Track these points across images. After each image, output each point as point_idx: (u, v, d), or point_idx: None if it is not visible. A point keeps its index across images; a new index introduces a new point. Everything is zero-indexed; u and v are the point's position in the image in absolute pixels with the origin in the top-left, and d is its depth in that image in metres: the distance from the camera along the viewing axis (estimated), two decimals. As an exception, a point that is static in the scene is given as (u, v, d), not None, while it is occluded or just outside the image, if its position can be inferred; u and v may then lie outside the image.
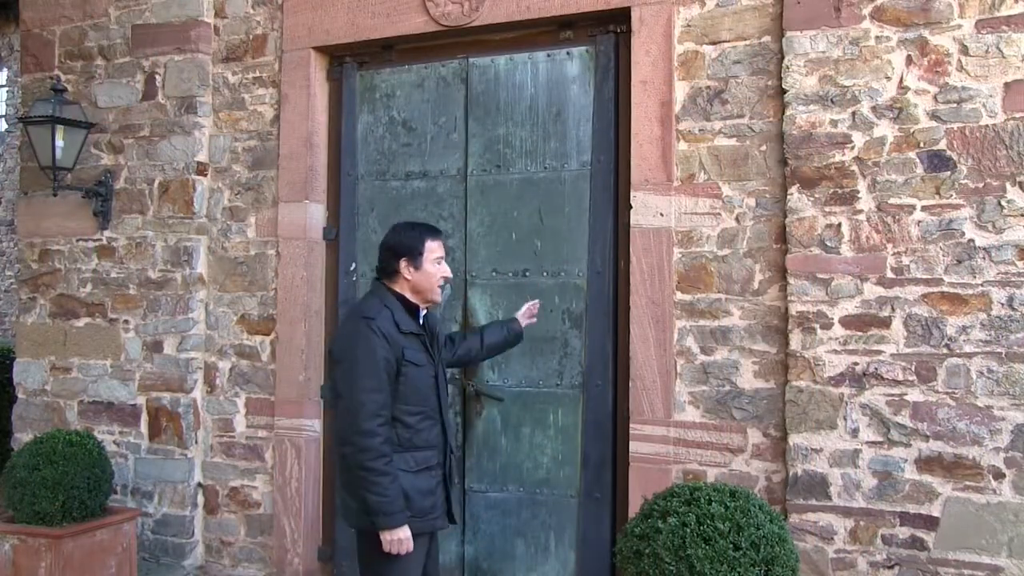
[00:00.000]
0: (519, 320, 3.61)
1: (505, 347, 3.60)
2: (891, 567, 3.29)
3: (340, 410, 2.89)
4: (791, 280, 3.47)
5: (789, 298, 3.47)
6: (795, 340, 3.45)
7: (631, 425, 3.75)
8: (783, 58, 3.52)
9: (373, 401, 2.82)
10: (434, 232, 3.10)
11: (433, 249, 3.03)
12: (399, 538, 2.82)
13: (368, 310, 2.96)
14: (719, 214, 3.66)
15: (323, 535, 4.44)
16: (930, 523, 3.25)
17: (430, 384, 3.00)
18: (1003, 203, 3.20)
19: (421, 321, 3.05)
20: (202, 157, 4.65)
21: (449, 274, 3.10)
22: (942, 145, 3.30)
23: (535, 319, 3.68)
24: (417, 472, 2.92)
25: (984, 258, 3.22)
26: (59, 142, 4.48)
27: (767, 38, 3.61)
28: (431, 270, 3.02)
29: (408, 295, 3.02)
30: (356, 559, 3.07)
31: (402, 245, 3.02)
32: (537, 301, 3.70)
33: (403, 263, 3.00)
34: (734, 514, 2.63)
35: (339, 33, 4.38)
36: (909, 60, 3.35)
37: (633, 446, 3.74)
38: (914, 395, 3.29)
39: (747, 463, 3.58)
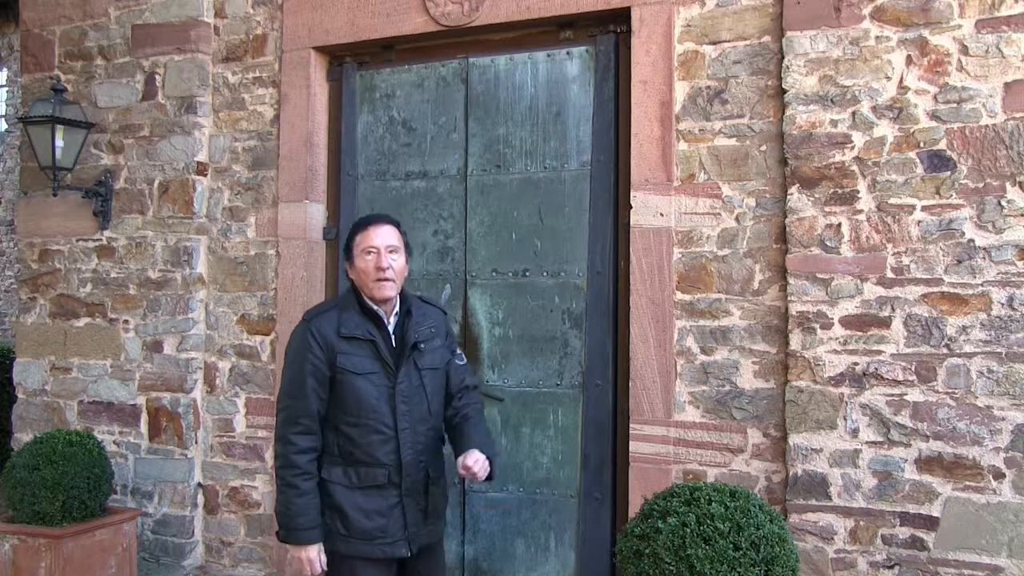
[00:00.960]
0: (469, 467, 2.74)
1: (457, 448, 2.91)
2: (891, 567, 3.29)
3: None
4: (791, 280, 3.47)
5: (789, 298, 3.47)
6: (795, 340, 3.45)
7: (631, 425, 3.75)
8: (783, 58, 3.53)
9: (290, 408, 2.68)
10: (367, 221, 2.80)
11: (360, 241, 2.74)
12: (300, 556, 2.65)
13: (314, 309, 2.82)
14: (719, 214, 3.66)
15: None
16: (930, 523, 3.25)
17: (379, 395, 2.69)
18: (1003, 203, 3.20)
19: (391, 325, 2.78)
20: (202, 157, 4.66)
21: (383, 264, 2.70)
22: (942, 145, 3.30)
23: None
24: (361, 489, 2.69)
25: (984, 258, 3.22)
26: (59, 142, 4.48)
27: (767, 38, 3.61)
28: (361, 265, 2.73)
29: (364, 297, 2.77)
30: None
31: (345, 242, 2.84)
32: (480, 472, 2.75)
33: (347, 263, 2.82)
34: (734, 514, 2.63)
35: (339, 33, 4.38)
36: (909, 60, 3.35)
37: (633, 446, 3.74)
38: (914, 395, 3.29)
39: (747, 463, 3.58)
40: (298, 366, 2.69)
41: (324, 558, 2.69)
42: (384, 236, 2.75)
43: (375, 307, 2.76)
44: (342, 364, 2.68)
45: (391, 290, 2.74)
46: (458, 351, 3.02)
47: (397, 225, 2.83)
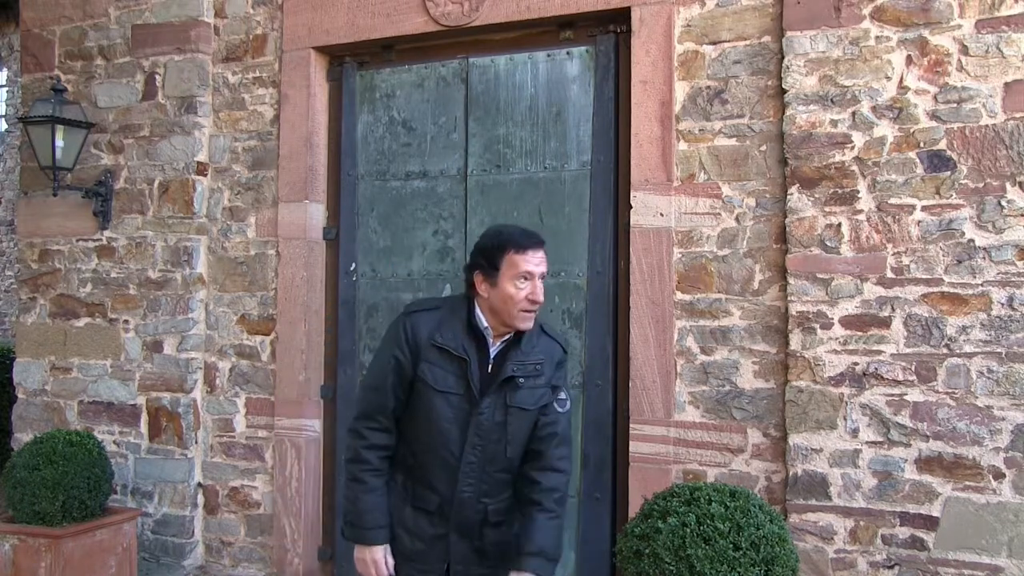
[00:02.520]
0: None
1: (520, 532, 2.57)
2: (891, 567, 3.29)
3: None
4: (791, 280, 3.47)
5: (789, 298, 3.47)
6: (795, 340, 3.45)
7: (631, 425, 3.75)
8: (783, 58, 3.52)
9: (368, 400, 2.50)
10: (526, 242, 2.42)
11: (515, 263, 2.38)
12: (364, 559, 2.45)
13: (416, 304, 2.57)
14: (719, 214, 3.66)
15: (323, 535, 4.44)
16: (930, 523, 3.25)
17: (453, 418, 2.42)
18: (1003, 203, 3.20)
19: (494, 350, 2.47)
20: (202, 157, 4.66)
21: (538, 297, 2.41)
22: (942, 145, 3.30)
23: None
24: (413, 507, 2.50)
25: (984, 258, 3.22)
26: (59, 142, 4.48)
27: (767, 38, 3.61)
28: (509, 290, 2.38)
29: (486, 313, 2.46)
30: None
31: (480, 252, 2.46)
32: None
33: (478, 275, 2.45)
34: (734, 514, 2.62)
35: (339, 33, 4.38)
36: (909, 60, 3.35)
37: (633, 446, 3.74)
38: (914, 395, 3.29)
39: (747, 463, 3.58)
40: (385, 359, 2.47)
41: (392, 560, 2.47)
42: (541, 262, 2.43)
43: (485, 326, 2.46)
44: (422, 373, 2.43)
45: (531, 323, 2.45)
46: (562, 395, 2.57)
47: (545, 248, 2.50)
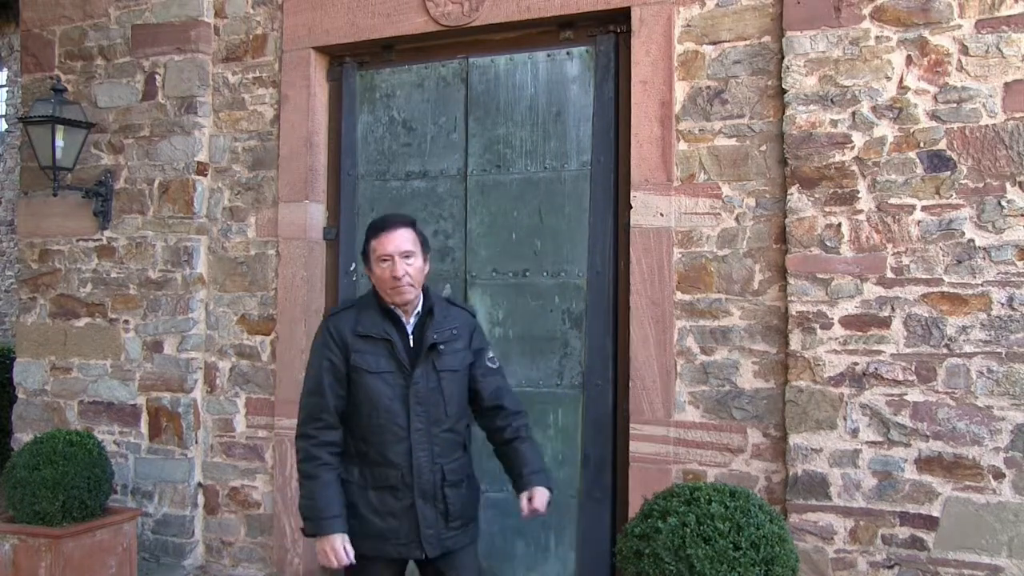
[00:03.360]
0: (527, 498, 2.82)
1: (507, 465, 2.91)
2: (891, 567, 3.29)
3: None
4: (791, 280, 3.47)
5: (789, 298, 3.47)
6: (795, 340, 3.45)
7: (631, 425, 3.75)
8: (783, 58, 3.52)
9: (310, 404, 2.70)
10: (381, 226, 2.73)
11: (375, 248, 2.70)
12: (324, 548, 2.60)
13: (334, 308, 2.89)
14: (719, 214, 3.66)
15: (323, 535, 4.43)
16: (930, 523, 3.25)
17: (392, 394, 2.67)
18: (1003, 203, 3.20)
19: (411, 325, 2.74)
20: (202, 157, 4.66)
21: (398, 273, 2.65)
22: (942, 145, 3.30)
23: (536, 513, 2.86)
24: (375, 489, 2.68)
25: (984, 258, 3.22)
26: (59, 142, 4.48)
27: (767, 38, 3.61)
28: (377, 271, 2.71)
29: (383, 296, 2.75)
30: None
31: (362, 245, 2.81)
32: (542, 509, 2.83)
33: (365, 266, 2.79)
34: (734, 514, 2.63)
35: (339, 33, 4.38)
36: (909, 60, 3.35)
37: (633, 446, 3.74)
38: (914, 395, 3.29)
39: (747, 463, 3.58)
40: (317, 363, 2.72)
41: (351, 549, 2.62)
42: (398, 242, 2.68)
43: (393, 307, 2.74)
44: (356, 362, 2.68)
45: (409, 294, 2.71)
46: (490, 354, 2.92)
47: (412, 225, 2.78)
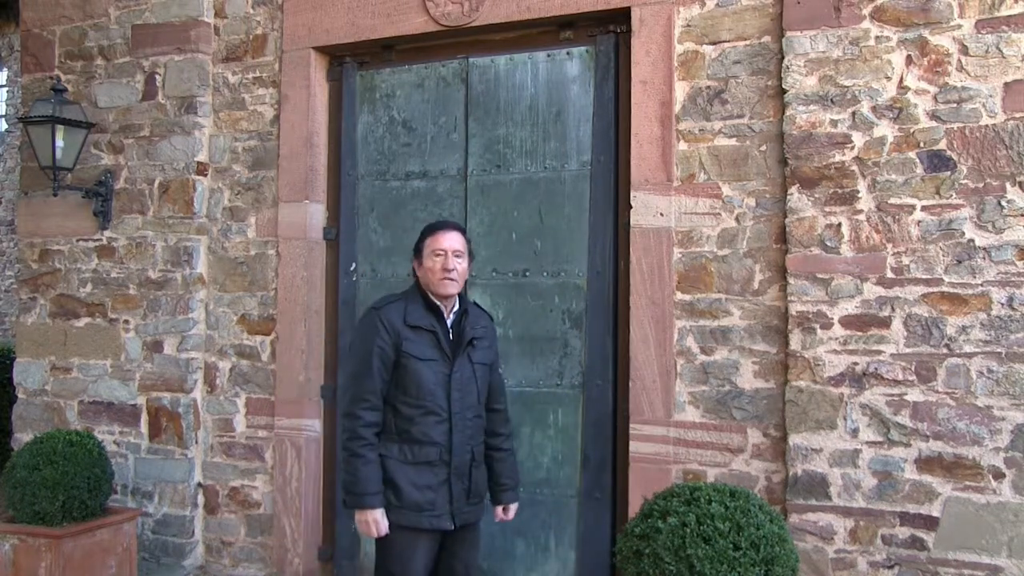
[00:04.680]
0: (496, 507, 3.25)
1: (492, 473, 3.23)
2: (891, 567, 3.29)
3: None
4: (791, 280, 3.47)
5: (789, 298, 3.47)
6: (795, 340, 3.45)
7: (631, 425, 3.75)
8: (783, 58, 3.53)
9: (358, 386, 2.95)
10: (438, 227, 3.10)
11: (430, 244, 3.03)
12: (366, 520, 2.89)
13: (380, 301, 3.09)
14: (719, 214, 3.66)
15: (323, 535, 4.44)
16: (930, 523, 3.25)
17: (437, 380, 2.98)
18: (1003, 203, 3.20)
19: (450, 320, 3.06)
20: (202, 157, 4.66)
21: (450, 266, 3.00)
22: (942, 145, 3.30)
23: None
24: (414, 465, 2.95)
25: (984, 258, 3.22)
26: (59, 142, 4.48)
27: (767, 38, 3.61)
28: (429, 264, 3.02)
29: (428, 292, 3.06)
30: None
31: (414, 247, 3.13)
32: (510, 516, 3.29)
33: (415, 262, 3.11)
34: (734, 514, 2.63)
35: (339, 33, 4.38)
36: (909, 60, 3.35)
37: (633, 446, 3.74)
38: (914, 395, 3.29)
39: (747, 463, 3.58)
40: (366, 348, 2.96)
41: (387, 522, 2.91)
42: (452, 241, 3.03)
43: (438, 302, 3.04)
44: (407, 349, 2.95)
45: (455, 288, 3.03)
46: (498, 359, 3.32)
47: (463, 232, 3.12)
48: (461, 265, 3.04)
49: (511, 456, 3.28)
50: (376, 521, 2.90)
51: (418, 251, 3.09)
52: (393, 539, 2.94)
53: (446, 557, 3.08)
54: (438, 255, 3.01)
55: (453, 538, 3.05)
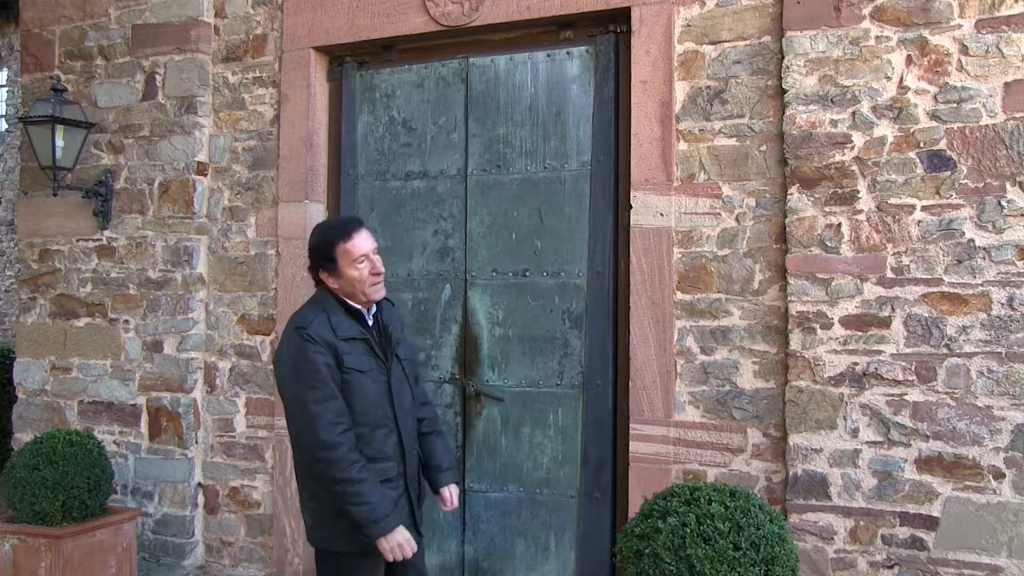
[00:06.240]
0: (440, 491, 3.01)
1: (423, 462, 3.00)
2: (891, 567, 3.29)
3: (295, 430, 2.66)
4: (791, 280, 3.47)
5: (789, 298, 3.47)
6: (795, 340, 3.45)
7: (631, 425, 3.75)
8: (783, 58, 3.52)
9: (327, 410, 2.60)
10: (347, 229, 2.75)
11: (348, 251, 2.70)
12: (398, 542, 2.61)
13: (301, 319, 2.71)
14: (719, 214, 3.66)
15: (323, 535, 4.43)
16: (930, 523, 3.25)
17: (379, 390, 2.73)
18: (1003, 203, 3.20)
19: (371, 321, 2.79)
20: (202, 157, 4.66)
21: (378, 269, 2.74)
22: (942, 145, 3.30)
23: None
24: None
25: (984, 258, 3.22)
26: (59, 142, 4.48)
27: (767, 38, 3.61)
28: (352, 274, 2.71)
29: (346, 299, 2.76)
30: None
31: (315, 253, 2.77)
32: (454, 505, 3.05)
33: (323, 273, 2.76)
34: (734, 514, 2.63)
35: (339, 33, 4.38)
36: (909, 60, 3.35)
37: (633, 446, 3.74)
38: (914, 395, 3.29)
39: (747, 463, 3.58)
40: (311, 372, 2.62)
41: (412, 537, 2.68)
42: (368, 240, 2.76)
43: (357, 306, 2.77)
44: (350, 364, 2.67)
45: (383, 291, 2.81)
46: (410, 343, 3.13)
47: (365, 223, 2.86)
48: (381, 262, 2.79)
49: (438, 437, 3.01)
50: (407, 540, 2.63)
51: (328, 259, 2.71)
52: (359, 568, 2.70)
53: (399, 569, 2.79)
54: (362, 261, 2.70)
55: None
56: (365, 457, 2.66)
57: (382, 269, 2.77)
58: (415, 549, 2.67)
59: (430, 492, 2.99)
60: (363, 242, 2.73)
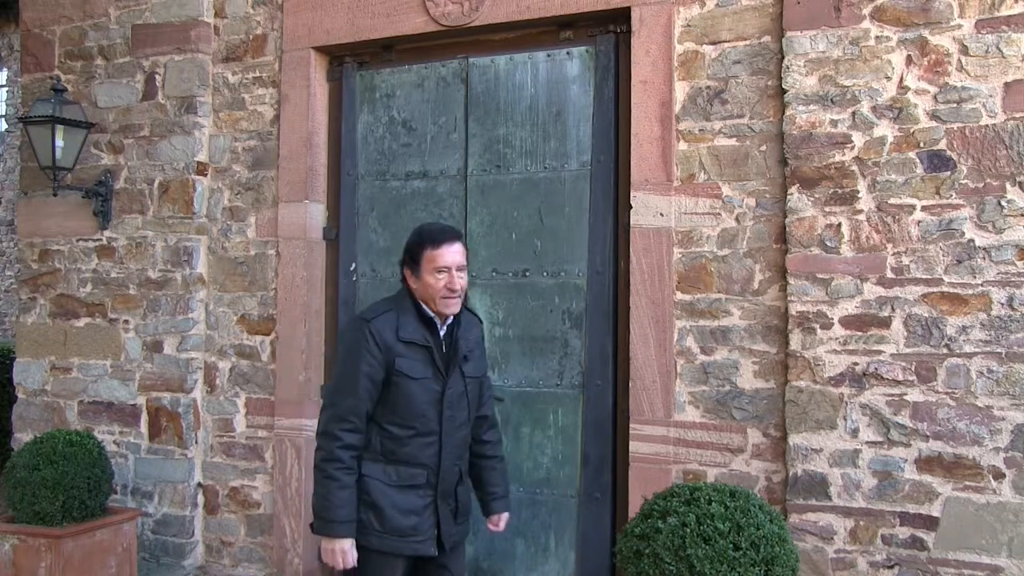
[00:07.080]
0: (490, 516, 3.09)
1: (477, 481, 3.07)
2: (891, 567, 3.29)
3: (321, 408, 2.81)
4: (791, 280, 3.47)
5: (789, 298, 3.47)
6: (795, 340, 3.45)
7: (631, 425, 3.75)
8: (783, 58, 3.52)
9: (343, 405, 2.69)
10: (439, 238, 2.76)
11: (432, 259, 2.73)
12: (334, 549, 2.66)
13: (371, 311, 2.80)
14: (719, 214, 3.66)
15: (323, 535, 4.43)
16: (930, 523, 3.25)
17: (428, 400, 2.74)
18: (1003, 203, 3.20)
19: (443, 331, 2.81)
20: (202, 157, 4.66)
21: (455, 286, 2.73)
22: (942, 145, 3.30)
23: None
24: (399, 488, 2.74)
25: (984, 258, 3.22)
26: (59, 142, 4.48)
27: (767, 38, 3.61)
28: (430, 281, 2.73)
29: (421, 303, 2.79)
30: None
31: (407, 249, 2.82)
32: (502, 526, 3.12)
33: (407, 270, 2.81)
34: (734, 514, 2.63)
35: (339, 33, 4.38)
36: (909, 60, 3.35)
37: (633, 446, 3.74)
38: (914, 395, 3.29)
39: (747, 463, 3.58)
40: (354, 365, 2.70)
41: (356, 553, 2.70)
42: (455, 255, 2.76)
43: (431, 314, 2.79)
44: (400, 367, 2.71)
45: (457, 307, 2.80)
46: (487, 362, 3.12)
47: (463, 240, 2.86)
48: (464, 280, 2.78)
49: (500, 463, 3.07)
50: (344, 552, 2.66)
51: (414, 260, 2.77)
52: (372, 565, 2.73)
53: (435, 571, 2.87)
54: (441, 272, 2.72)
55: (442, 560, 2.85)
56: (396, 459, 2.74)
57: (459, 287, 2.75)
58: (349, 566, 2.67)
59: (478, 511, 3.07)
60: (449, 255, 2.74)
